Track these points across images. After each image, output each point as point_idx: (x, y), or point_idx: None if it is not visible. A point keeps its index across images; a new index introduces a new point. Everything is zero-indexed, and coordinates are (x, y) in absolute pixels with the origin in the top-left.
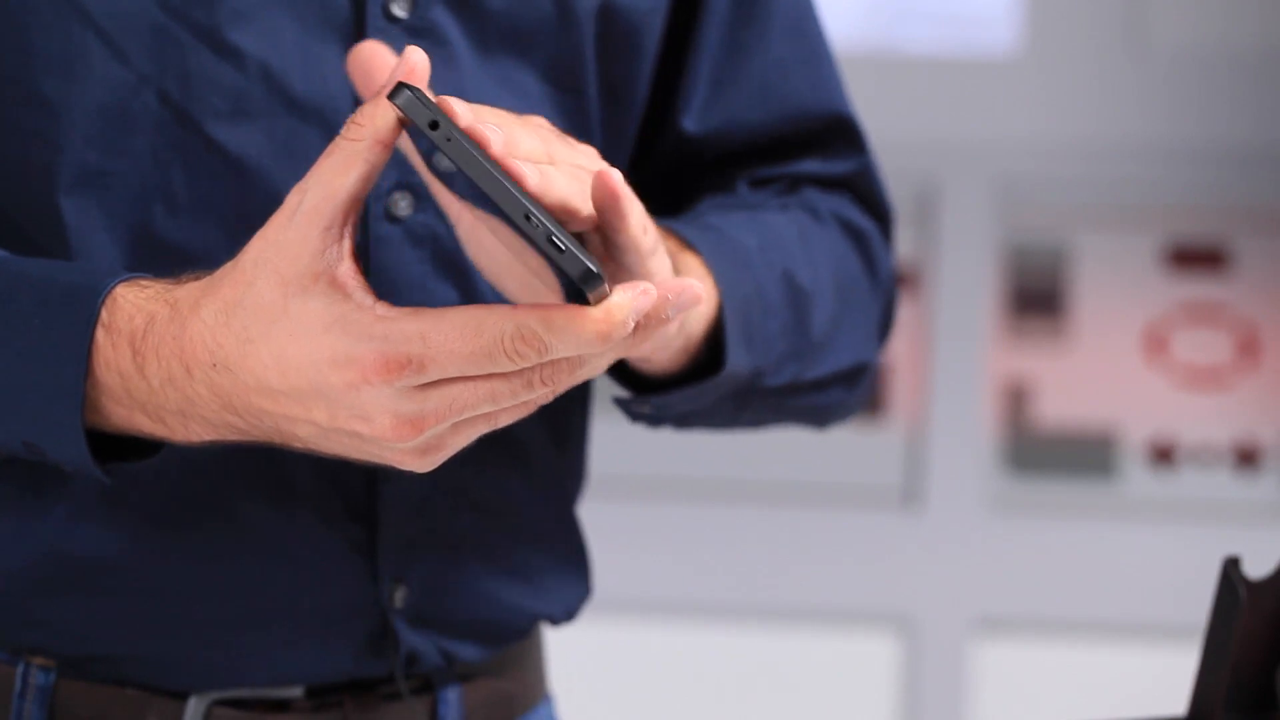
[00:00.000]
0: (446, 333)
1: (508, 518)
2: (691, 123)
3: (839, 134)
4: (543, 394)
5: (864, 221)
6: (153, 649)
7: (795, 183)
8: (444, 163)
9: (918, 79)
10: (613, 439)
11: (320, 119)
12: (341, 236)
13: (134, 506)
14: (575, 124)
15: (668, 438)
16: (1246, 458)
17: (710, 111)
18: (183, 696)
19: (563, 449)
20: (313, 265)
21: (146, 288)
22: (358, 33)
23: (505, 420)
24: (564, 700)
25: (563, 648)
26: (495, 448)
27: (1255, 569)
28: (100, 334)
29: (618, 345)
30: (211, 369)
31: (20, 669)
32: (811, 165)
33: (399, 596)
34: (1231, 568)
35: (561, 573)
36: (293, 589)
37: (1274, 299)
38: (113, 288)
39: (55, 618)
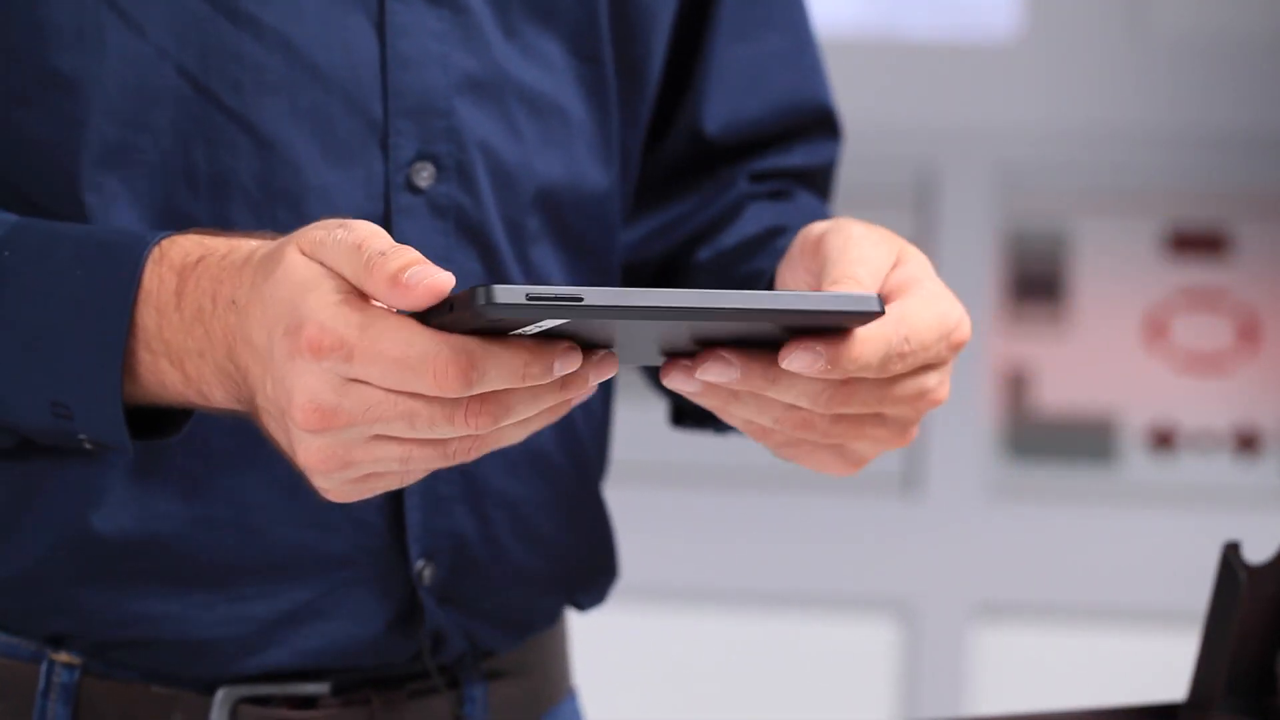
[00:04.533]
0: (382, 331)
1: (536, 490)
2: (711, 124)
3: (823, 125)
4: (462, 433)
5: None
6: (182, 628)
7: (785, 183)
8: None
9: (918, 65)
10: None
11: (342, 90)
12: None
13: (163, 481)
14: (596, 96)
15: (664, 424)
16: (1246, 443)
17: (721, 105)
18: (208, 691)
19: (591, 423)
20: (318, 236)
21: (217, 234)
22: (379, 2)
23: (418, 467)
24: None
25: None
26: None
27: (1255, 554)
28: (148, 270)
29: (544, 399)
30: (230, 305)
31: (44, 667)
32: (798, 158)
33: (427, 573)
34: (1231, 553)
35: (590, 551)
36: (323, 561)
37: (1274, 284)
38: (163, 238)
39: (85, 604)
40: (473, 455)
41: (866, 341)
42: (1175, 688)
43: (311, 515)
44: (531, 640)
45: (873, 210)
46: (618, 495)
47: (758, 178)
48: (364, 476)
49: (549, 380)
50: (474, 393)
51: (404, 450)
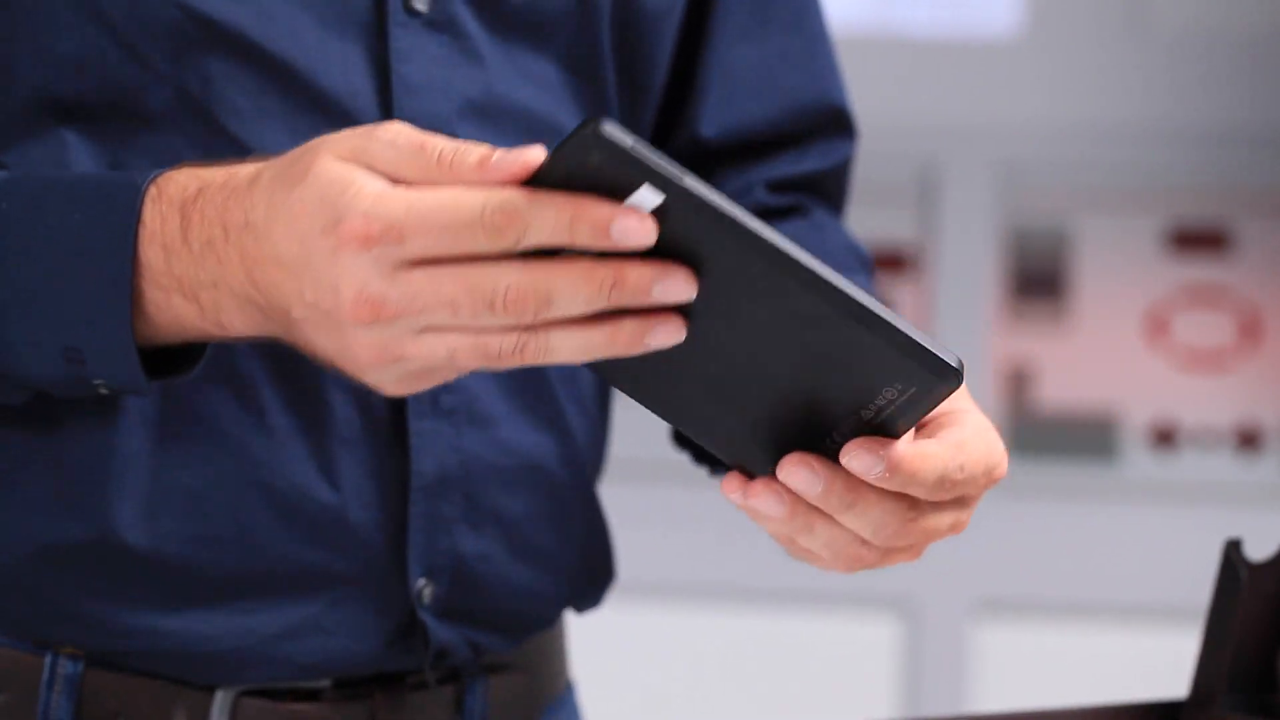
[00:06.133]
0: (431, 203)
1: (535, 505)
2: (708, 128)
3: (836, 125)
4: (502, 322)
5: (862, 250)
6: (182, 641)
7: (801, 197)
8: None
9: (919, 62)
10: (613, 423)
11: (343, 115)
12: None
13: (165, 498)
14: (595, 113)
15: (662, 421)
16: (1248, 440)
17: (720, 108)
18: (211, 688)
19: (590, 430)
20: (356, 143)
21: (209, 165)
22: (379, 27)
23: (466, 363)
24: None
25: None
26: (523, 431)
27: (1256, 551)
28: (148, 208)
29: (585, 290)
30: (243, 229)
31: (48, 659)
32: (811, 162)
33: (427, 592)
34: (1233, 550)
35: (586, 559)
36: (324, 577)
37: (1275, 281)
38: (158, 176)
39: (85, 615)
40: (520, 360)
41: (927, 459)
42: (1177, 685)
43: (312, 533)
44: (531, 640)
45: (874, 207)
46: (618, 493)
47: (774, 188)
48: (416, 371)
49: (600, 243)
50: (523, 245)
51: (449, 342)
